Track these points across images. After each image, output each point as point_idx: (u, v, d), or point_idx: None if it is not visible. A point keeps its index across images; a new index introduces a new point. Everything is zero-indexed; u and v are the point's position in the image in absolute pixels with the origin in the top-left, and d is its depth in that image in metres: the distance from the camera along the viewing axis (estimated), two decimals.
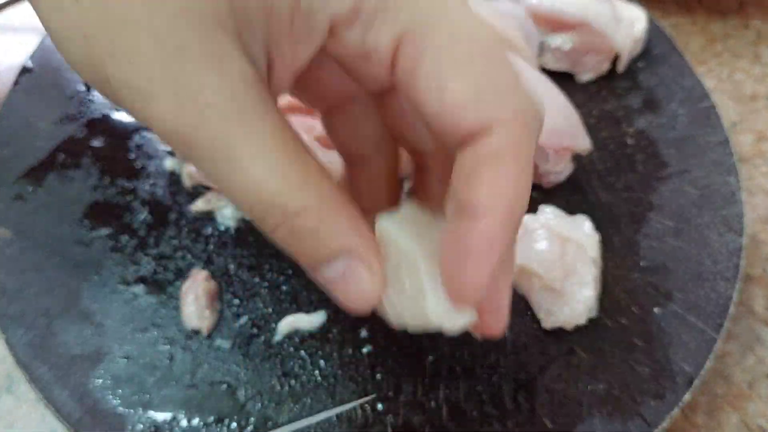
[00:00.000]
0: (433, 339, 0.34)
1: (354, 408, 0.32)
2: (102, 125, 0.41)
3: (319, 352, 0.33)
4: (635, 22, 0.46)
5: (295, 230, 0.22)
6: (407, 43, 0.20)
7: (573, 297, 0.33)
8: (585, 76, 0.46)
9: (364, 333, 0.34)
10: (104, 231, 0.36)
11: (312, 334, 0.34)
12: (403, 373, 0.33)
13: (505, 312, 0.25)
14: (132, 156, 0.40)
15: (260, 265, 0.36)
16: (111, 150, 0.39)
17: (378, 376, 0.33)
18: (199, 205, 0.38)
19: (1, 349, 0.38)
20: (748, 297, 0.42)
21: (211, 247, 0.36)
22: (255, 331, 0.34)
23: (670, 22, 0.58)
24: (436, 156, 0.27)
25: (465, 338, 0.32)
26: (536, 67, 0.42)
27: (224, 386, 0.32)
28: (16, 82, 0.42)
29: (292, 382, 0.32)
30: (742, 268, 0.37)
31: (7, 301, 0.34)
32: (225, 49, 0.20)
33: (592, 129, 0.43)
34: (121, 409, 0.31)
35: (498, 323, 0.25)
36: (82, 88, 0.43)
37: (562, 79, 0.45)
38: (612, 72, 0.46)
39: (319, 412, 0.32)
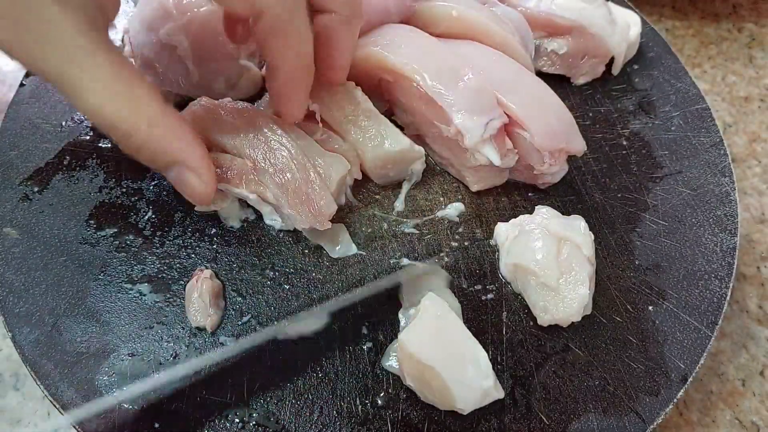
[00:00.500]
0: None
1: (354, 401, 0.32)
2: None
3: (321, 349, 0.34)
4: (630, 26, 0.46)
5: (132, 146, 0.30)
6: None
7: (568, 295, 0.34)
8: (580, 79, 0.46)
9: (364, 330, 0.35)
10: (110, 231, 0.37)
11: (314, 332, 0.34)
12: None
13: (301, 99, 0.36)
14: None
15: (263, 264, 0.37)
16: (117, 151, 0.40)
17: (378, 372, 0.33)
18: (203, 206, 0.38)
19: (8, 347, 0.39)
20: (742, 296, 0.43)
21: (215, 246, 0.37)
22: (258, 328, 0.34)
23: (664, 25, 0.59)
24: None
25: None
26: (532, 70, 0.43)
27: (227, 382, 0.33)
28: (21, 84, 0.43)
29: (294, 378, 0.33)
30: (735, 267, 0.38)
31: (14, 300, 0.34)
32: (51, 10, 0.26)
33: (587, 131, 0.44)
34: (126, 404, 0.31)
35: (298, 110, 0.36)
36: None
37: (558, 82, 0.46)
38: (607, 75, 0.47)
39: (320, 408, 0.32)
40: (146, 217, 0.38)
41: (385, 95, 0.42)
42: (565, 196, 0.41)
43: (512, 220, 0.38)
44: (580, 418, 0.33)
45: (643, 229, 0.40)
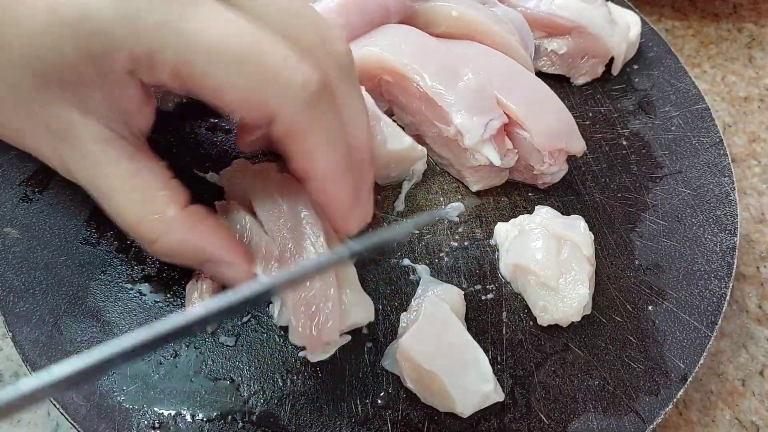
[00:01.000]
0: None
1: (354, 401, 0.33)
2: None
3: None
4: (630, 26, 0.46)
5: (157, 251, 0.30)
6: (181, 74, 0.26)
7: (568, 295, 0.34)
8: (580, 79, 0.46)
9: (364, 330, 0.35)
10: (110, 231, 0.37)
11: None
12: None
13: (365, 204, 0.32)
14: None
15: None
16: None
17: (378, 372, 0.33)
18: None
19: (8, 347, 0.39)
20: (741, 295, 0.43)
21: None
22: (258, 328, 0.34)
23: (664, 25, 0.59)
24: None
25: None
26: (532, 70, 0.43)
27: (228, 382, 0.33)
28: None
29: (294, 378, 0.33)
30: (735, 267, 0.38)
31: (15, 300, 0.34)
32: (74, 119, 0.29)
33: (587, 131, 0.44)
34: (126, 405, 0.32)
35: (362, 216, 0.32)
36: None
37: (558, 82, 0.46)
38: (607, 75, 0.47)
39: (320, 408, 0.32)
40: None
41: (385, 95, 0.42)
42: (565, 196, 0.41)
43: (512, 220, 0.38)
44: (580, 417, 0.33)
45: (643, 229, 0.40)
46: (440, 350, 0.31)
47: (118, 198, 0.30)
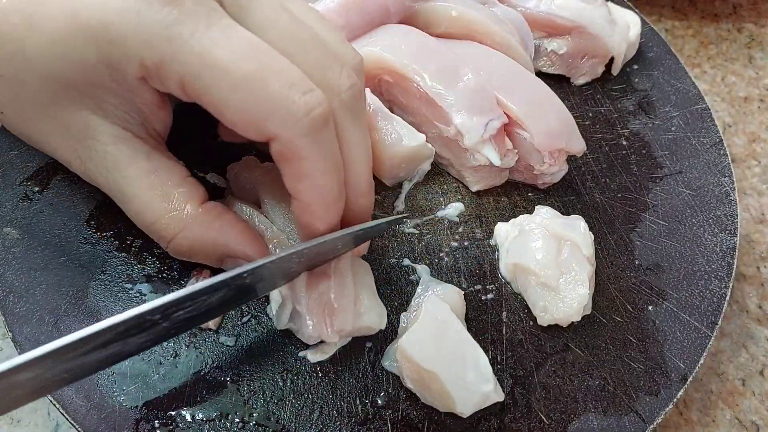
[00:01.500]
0: None
1: (354, 401, 0.32)
2: None
3: None
4: (630, 26, 0.46)
5: (174, 250, 0.32)
6: (187, 86, 0.27)
7: (568, 295, 0.34)
8: (580, 79, 0.46)
9: None
10: (110, 231, 0.37)
11: None
12: None
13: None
14: None
15: None
16: None
17: (378, 372, 0.33)
18: None
19: (8, 347, 0.39)
20: (742, 296, 0.43)
21: None
22: (258, 328, 0.34)
23: (664, 25, 0.59)
24: None
25: None
26: (532, 70, 0.43)
27: (228, 382, 0.33)
28: None
29: (294, 378, 0.33)
30: (735, 267, 0.38)
31: (15, 300, 0.34)
32: (92, 121, 0.30)
33: (587, 131, 0.44)
34: (126, 405, 0.31)
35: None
36: None
37: (558, 82, 0.46)
38: (607, 75, 0.47)
39: (320, 408, 0.32)
40: None
41: (385, 95, 0.42)
42: (565, 196, 0.41)
43: (512, 220, 0.38)
44: (580, 417, 0.33)
45: (643, 229, 0.40)
46: (440, 350, 0.31)
47: (137, 196, 0.31)
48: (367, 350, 0.34)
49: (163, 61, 0.27)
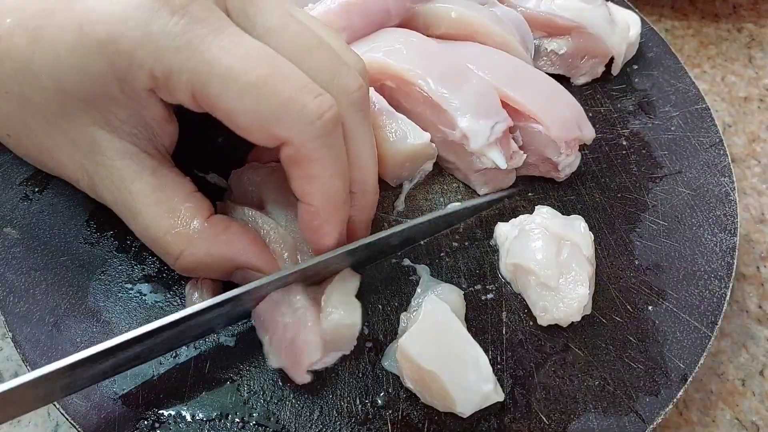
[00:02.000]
0: None
1: (354, 401, 0.33)
2: None
3: None
4: (630, 26, 0.46)
5: (180, 267, 0.32)
6: (198, 95, 0.27)
7: (568, 295, 0.34)
8: (580, 79, 0.46)
9: (364, 330, 0.35)
10: (110, 231, 0.37)
11: None
12: None
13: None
14: None
15: None
16: None
17: (378, 372, 0.33)
18: None
19: (8, 347, 0.39)
20: (742, 295, 0.43)
21: None
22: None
23: (664, 25, 0.59)
24: None
25: None
26: None
27: (227, 382, 0.33)
28: None
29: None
30: (735, 267, 0.38)
31: (15, 300, 0.34)
32: (99, 135, 0.30)
33: None
34: (126, 404, 0.31)
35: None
36: None
37: (558, 82, 0.46)
38: (607, 75, 0.47)
39: (320, 408, 0.32)
40: None
41: (388, 101, 0.41)
42: (565, 196, 0.41)
43: (512, 220, 0.38)
44: (580, 418, 0.33)
45: (643, 229, 0.40)
46: (440, 350, 0.31)
47: (143, 212, 0.30)
48: (367, 350, 0.34)
49: (172, 71, 0.27)
